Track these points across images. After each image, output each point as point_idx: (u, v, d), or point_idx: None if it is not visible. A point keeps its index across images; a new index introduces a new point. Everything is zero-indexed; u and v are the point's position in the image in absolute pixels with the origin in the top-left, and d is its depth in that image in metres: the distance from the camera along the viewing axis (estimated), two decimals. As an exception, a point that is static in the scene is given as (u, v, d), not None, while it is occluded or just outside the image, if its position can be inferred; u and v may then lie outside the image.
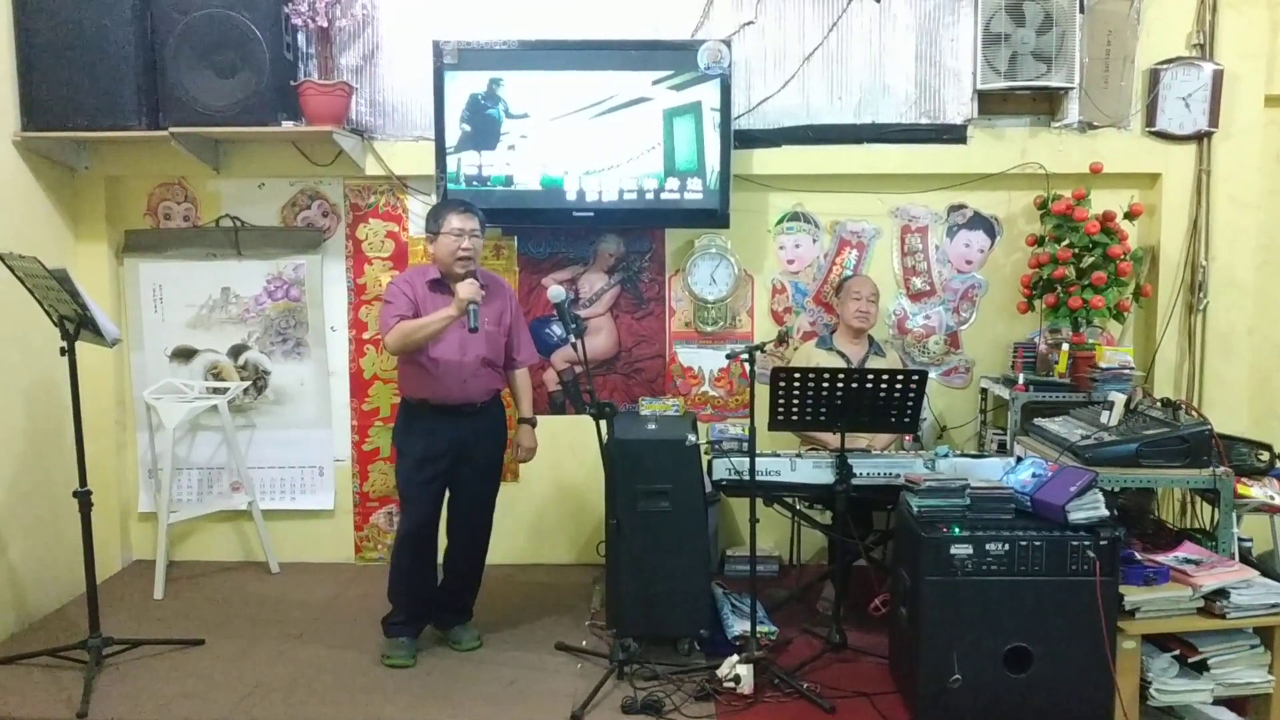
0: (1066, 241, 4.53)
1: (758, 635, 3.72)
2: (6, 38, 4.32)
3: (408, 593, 4.02)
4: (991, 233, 4.98)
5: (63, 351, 3.63)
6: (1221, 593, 3.30)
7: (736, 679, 3.54)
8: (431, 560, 4.05)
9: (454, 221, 3.81)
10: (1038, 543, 3.27)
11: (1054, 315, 4.60)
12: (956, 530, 3.31)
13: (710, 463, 4.07)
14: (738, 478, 3.98)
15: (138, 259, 4.96)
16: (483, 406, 3.98)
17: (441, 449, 3.90)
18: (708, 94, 4.58)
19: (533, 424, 4.19)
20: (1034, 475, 3.52)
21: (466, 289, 3.68)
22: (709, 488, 4.03)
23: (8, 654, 3.93)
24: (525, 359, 4.18)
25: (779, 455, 4.08)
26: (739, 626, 3.90)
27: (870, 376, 3.81)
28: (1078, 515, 3.28)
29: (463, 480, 4.00)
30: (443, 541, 4.13)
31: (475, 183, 4.65)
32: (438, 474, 3.93)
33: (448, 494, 4.05)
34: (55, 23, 4.30)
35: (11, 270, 3.66)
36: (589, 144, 4.63)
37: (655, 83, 4.59)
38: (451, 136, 4.61)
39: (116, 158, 4.82)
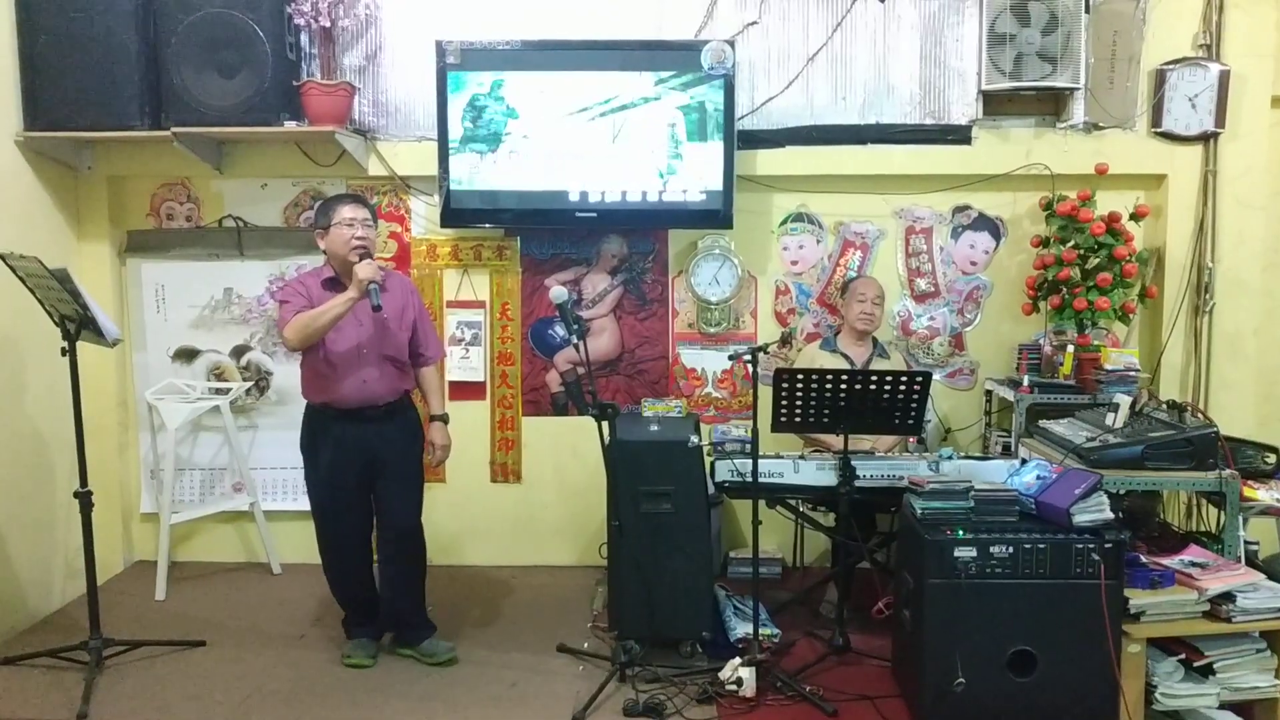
0: (1072, 243, 4.50)
1: (760, 638, 3.70)
2: (9, 37, 4.32)
3: (349, 602, 4.02)
4: (996, 234, 4.96)
5: (63, 352, 3.63)
6: (1227, 596, 3.29)
7: (739, 682, 3.52)
8: (363, 568, 3.99)
9: (345, 212, 3.73)
10: (1042, 545, 3.25)
11: (1059, 317, 4.58)
12: (960, 533, 3.29)
13: (713, 464, 4.04)
14: (740, 479, 3.96)
15: (140, 259, 4.96)
16: (389, 409, 3.85)
17: (351, 459, 3.80)
18: (711, 94, 4.56)
19: (444, 420, 4.07)
20: (1038, 478, 3.50)
21: (365, 269, 3.59)
22: (711, 489, 4.01)
23: (9, 654, 3.93)
24: (433, 355, 4.07)
25: (782, 457, 4.07)
26: (741, 629, 3.88)
27: (873, 378, 3.79)
28: (1082, 518, 3.26)
29: (381, 490, 3.89)
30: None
31: (478, 183, 4.64)
32: (350, 485, 3.83)
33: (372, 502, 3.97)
34: (58, 22, 4.31)
35: (12, 270, 3.66)
36: (592, 144, 4.61)
37: (659, 83, 4.57)
38: (454, 137, 4.60)
39: (119, 158, 4.82)
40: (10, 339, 4.26)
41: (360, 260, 3.65)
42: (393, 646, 4.06)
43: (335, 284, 3.77)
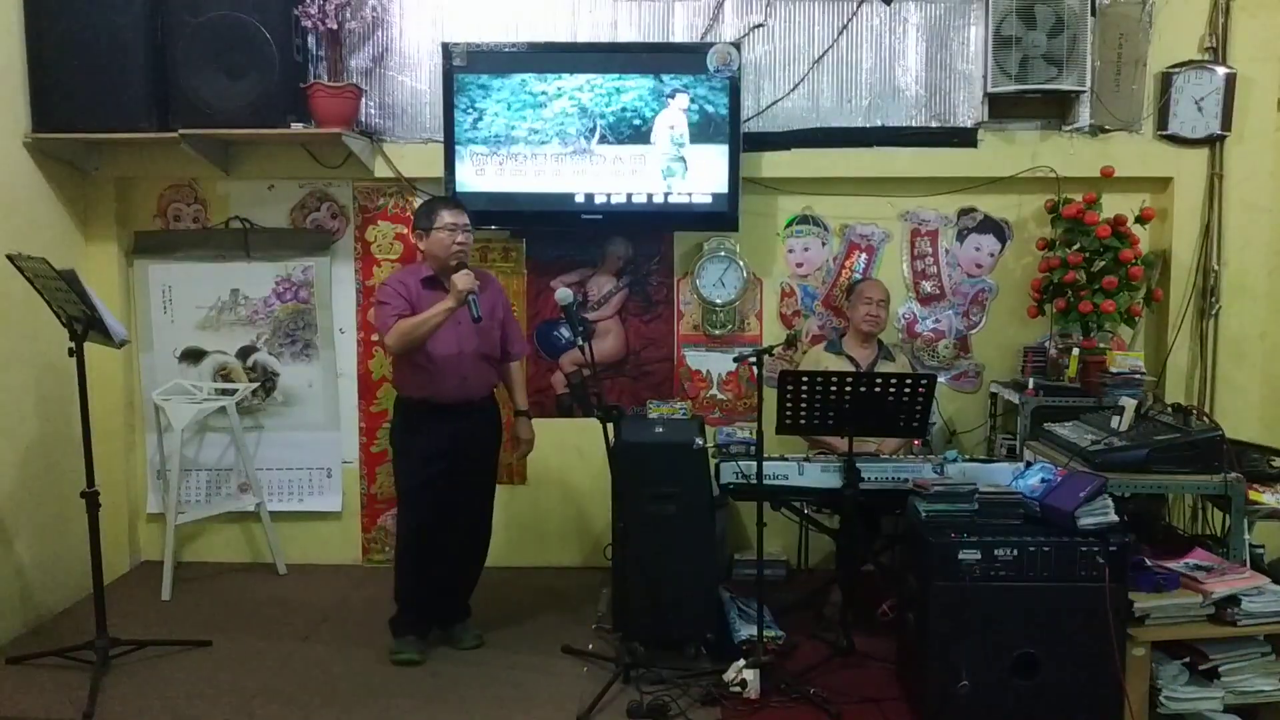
0: (1077, 245, 4.50)
1: (764, 640, 3.70)
2: (17, 39, 4.34)
3: (415, 593, 4.03)
4: (1002, 236, 4.96)
5: (71, 352, 3.64)
6: (1232, 600, 3.28)
7: (743, 684, 3.53)
8: (438, 559, 4.02)
9: (447, 217, 3.83)
10: (1046, 548, 3.25)
11: (1064, 320, 4.58)
12: (965, 535, 3.29)
13: (718, 466, 4.04)
14: (745, 481, 3.96)
15: (147, 260, 4.97)
16: (480, 404, 3.99)
17: (443, 448, 3.90)
18: (717, 97, 4.57)
19: (529, 416, 4.21)
20: (1043, 480, 3.50)
21: (463, 280, 3.69)
22: (716, 491, 4.01)
23: (15, 654, 3.94)
24: (519, 351, 4.22)
25: (787, 459, 4.07)
26: (746, 631, 3.88)
27: (878, 381, 3.79)
28: (1087, 521, 3.26)
29: (461, 479, 3.98)
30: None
31: (484, 185, 4.65)
32: (439, 473, 3.91)
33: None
34: (66, 25, 4.32)
35: (20, 271, 3.67)
36: (598, 146, 4.62)
37: (664, 85, 4.57)
38: (460, 139, 4.61)
39: (126, 159, 4.83)
40: (18, 340, 4.27)
41: (458, 268, 3.76)
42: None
43: (434, 283, 3.88)
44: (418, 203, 4.90)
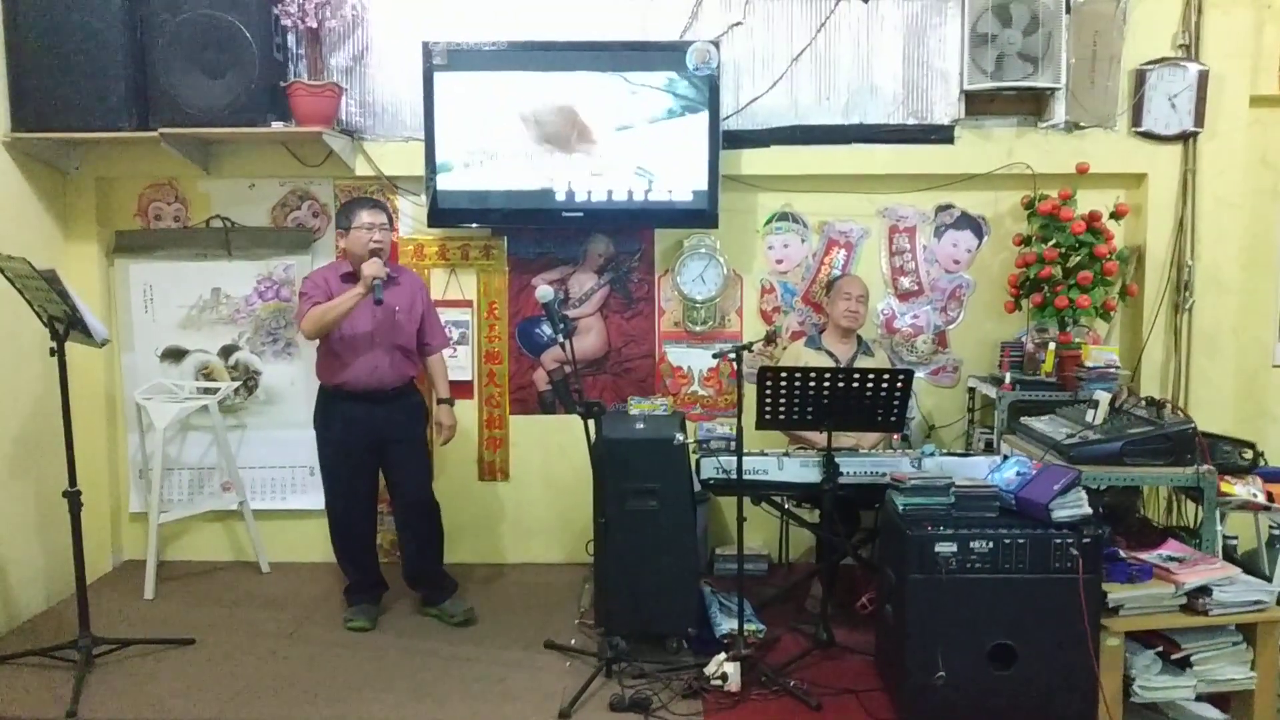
0: (1053, 241, 4.55)
1: (745, 633, 3.73)
2: (-4, 39, 4.33)
3: (353, 568, 4.39)
4: (979, 232, 5.00)
5: (52, 352, 3.65)
6: (1204, 590, 3.32)
7: (724, 677, 3.56)
8: (367, 535, 4.38)
9: (364, 217, 4.10)
10: (1021, 540, 3.28)
11: (1041, 314, 4.62)
12: (941, 528, 3.32)
13: (698, 462, 4.08)
14: (725, 477, 4.00)
15: (128, 260, 4.97)
16: (395, 393, 4.21)
17: (360, 435, 4.18)
18: (696, 95, 4.59)
19: (450, 404, 4.43)
20: (1019, 474, 3.53)
21: (370, 267, 3.96)
22: (697, 487, 4.04)
23: (-2, 654, 3.95)
24: (438, 344, 4.45)
25: (766, 454, 4.10)
26: (727, 624, 3.92)
27: (856, 376, 3.83)
28: (1061, 513, 3.30)
29: (390, 466, 4.28)
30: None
31: (465, 183, 4.66)
32: (358, 457, 4.21)
33: (382, 479, 4.37)
34: (45, 24, 4.31)
35: (1, 271, 3.67)
36: (578, 144, 4.63)
37: (644, 83, 4.60)
38: (441, 137, 4.62)
39: (106, 159, 4.82)
40: (-2, 339, 4.28)
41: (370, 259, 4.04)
42: (420, 608, 4.43)
43: (352, 278, 4.11)
44: (399, 201, 4.94)
